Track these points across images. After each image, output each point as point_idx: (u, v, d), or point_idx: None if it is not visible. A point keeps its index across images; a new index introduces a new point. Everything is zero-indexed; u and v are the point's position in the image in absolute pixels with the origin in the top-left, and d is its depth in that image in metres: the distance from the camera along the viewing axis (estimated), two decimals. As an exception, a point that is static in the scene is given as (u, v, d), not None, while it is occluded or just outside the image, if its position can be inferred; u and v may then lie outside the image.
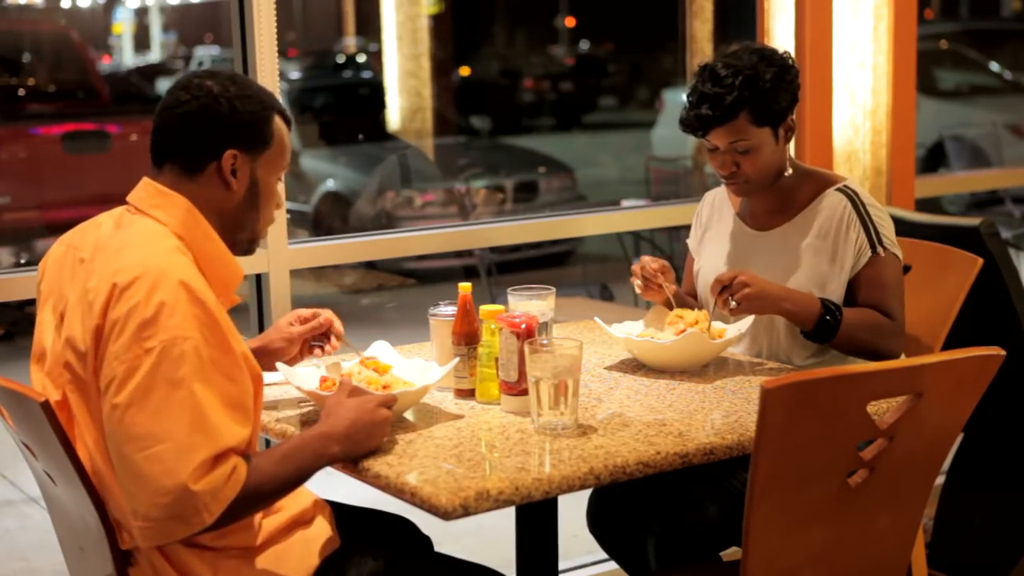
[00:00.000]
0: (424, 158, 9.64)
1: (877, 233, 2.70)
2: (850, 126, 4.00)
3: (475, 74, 18.36)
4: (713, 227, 2.95)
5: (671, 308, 2.76)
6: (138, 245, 2.01)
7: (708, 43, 8.63)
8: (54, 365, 2.06)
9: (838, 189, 2.76)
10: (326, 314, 2.52)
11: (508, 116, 16.43)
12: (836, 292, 2.71)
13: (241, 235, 2.19)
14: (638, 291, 2.78)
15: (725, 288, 2.58)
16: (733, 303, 2.57)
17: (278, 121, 2.19)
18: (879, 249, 2.69)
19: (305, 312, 2.52)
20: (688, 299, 2.95)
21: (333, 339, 2.51)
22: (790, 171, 2.78)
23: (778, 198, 2.81)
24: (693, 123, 2.70)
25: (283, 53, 3.14)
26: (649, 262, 2.76)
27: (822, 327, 2.62)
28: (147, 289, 1.92)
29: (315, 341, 2.52)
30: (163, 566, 2.02)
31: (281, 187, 2.30)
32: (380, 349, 2.53)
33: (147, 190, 2.12)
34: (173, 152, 2.13)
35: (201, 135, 2.12)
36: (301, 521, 2.17)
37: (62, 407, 2.04)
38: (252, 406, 2.02)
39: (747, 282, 2.56)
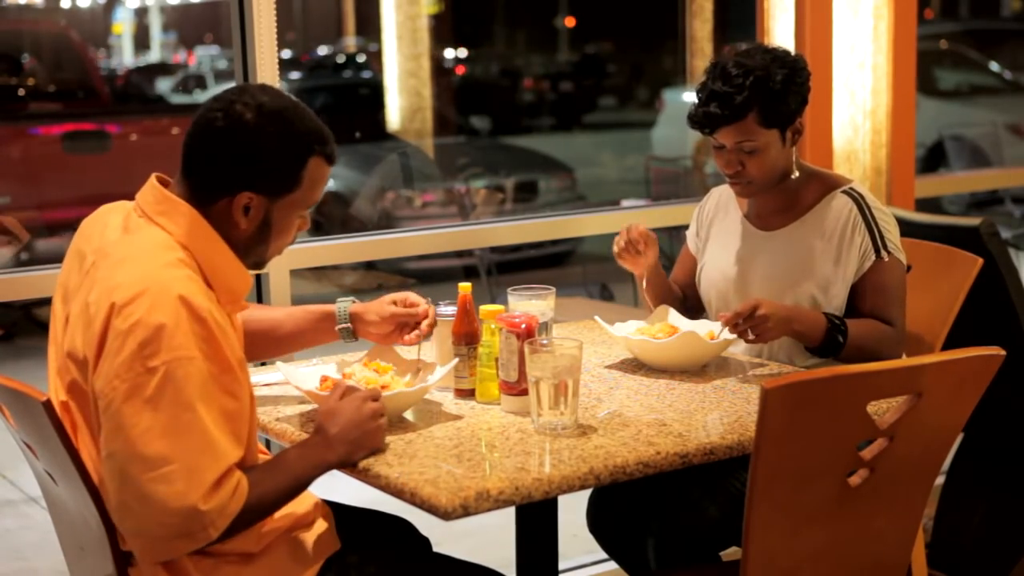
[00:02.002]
0: (424, 157, 9.64)
1: (882, 237, 2.70)
2: (850, 126, 4.00)
3: (474, 74, 18.36)
4: (717, 224, 2.95)
5: (643, 280, 2.79)
6: (138, 259, 1.97)
7: (708, 43, 8.62)
8: (60, 365, 2.04)
9: (844, 192, 2.76)
10: (423, 304, 2.49)
11: (508, 116, 16.43)
12: (839, 296, 2.71)
13: (246, 260, 2.12)
14: (616, 249, 2.77)
15: (745, 319, 2.56)
16: (751, 336, 2.57)
17: (313, 165, 2.07)
18: (883, 253, 2.69)
19: (401, 296, 2.50)
20: (673, 287, 2.96)
21: (423, 325, 2.48)
22: (796, 174, 2.77)
23: (784, 198, 2.81)
24: (701, 120, 2.69)
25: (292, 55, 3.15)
26: (636, 226, 2.76)
27: (830, 343, 2.62)
28: (147, 307, 1.89)
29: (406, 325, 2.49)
30: (164, 567, 2.01)
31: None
32: (381, 349, 2.53)
33: (154, 194, 2.06)
34: (189, 173, 2.06)
35: (219, 169, 2.03)
36: (302, 524, 2.17)
37: (67, 407, 2.03)
38: (248, 418, 2.01)
39: (767, 316, 2.55)
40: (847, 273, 2.71)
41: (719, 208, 2.96)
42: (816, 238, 2.75)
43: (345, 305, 2.50)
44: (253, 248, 2.10)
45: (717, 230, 2.94)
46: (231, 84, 2.27)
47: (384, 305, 2.49)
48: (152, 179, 2.09)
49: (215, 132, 2.03)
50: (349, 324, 2.49)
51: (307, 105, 2.14)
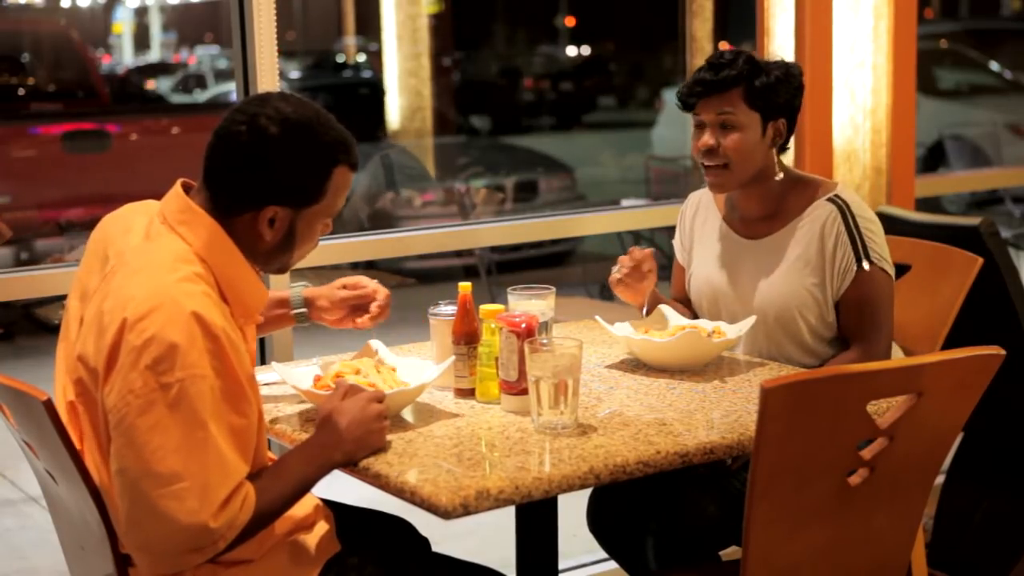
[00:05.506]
0: (412, 157, 9.61)
1: (864, 246, 2.64)
2: (850, 126, 4.00)
3: (475, 74, 18.37)
4: (699, 230, 2.92)
5: (643, 311, 2.76)
6: (154, 270, 1.95)
7: (708, 43, 8.62)
8: (71, 365, 2.03)
9: (829, 199, 2.70)
10: (372, 285, 2.51)
11: (508, 116, 16.44)
12: (824, 313, 2.68)
13: (270, 267, 2.13)
14: (617, 276, 2.72)
15: None
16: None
17: (338, 174, 2.06)
18: (864, 263, 2.63)
19: (351, 280, 2.53)
20: (677, 305, 2.93)
21: (372, 307, 2.50)
22: (780, 175, 2.74)
23: (767, 205, 2.77)
24: (689, 88, 2.70)
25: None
26: (637, 248, 2.71)
27: None
28: (161, 324, 1.88)
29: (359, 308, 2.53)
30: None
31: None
32: (365, 350, 2.52)
33: (177, 203, 2.04)
34: (212, 184, 2.04)
35: (244, 183, 2.02)
36: (302, 527, 2.17)
37: (74, 408, 2.02)
38: (256, 433, 2.01)
39: None
40: (830, 286, 2.67)
41: (698, 214, 2.93)
42: (800, 248, 2.71)
43: (298, 290, 2.54)
44: (277, 257, 2.11)
45: (700, 236, 2.91)
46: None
47: (335, 290, 2.53)
48: (177, 185, 2.08)
49: (240, 146, 2.01)
50: (304, 309, 2.54)
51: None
